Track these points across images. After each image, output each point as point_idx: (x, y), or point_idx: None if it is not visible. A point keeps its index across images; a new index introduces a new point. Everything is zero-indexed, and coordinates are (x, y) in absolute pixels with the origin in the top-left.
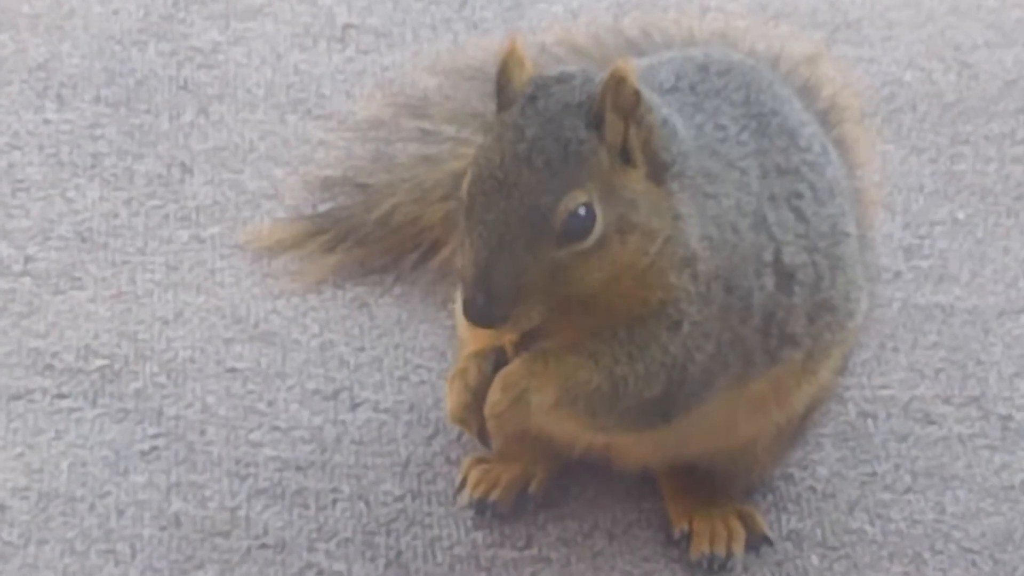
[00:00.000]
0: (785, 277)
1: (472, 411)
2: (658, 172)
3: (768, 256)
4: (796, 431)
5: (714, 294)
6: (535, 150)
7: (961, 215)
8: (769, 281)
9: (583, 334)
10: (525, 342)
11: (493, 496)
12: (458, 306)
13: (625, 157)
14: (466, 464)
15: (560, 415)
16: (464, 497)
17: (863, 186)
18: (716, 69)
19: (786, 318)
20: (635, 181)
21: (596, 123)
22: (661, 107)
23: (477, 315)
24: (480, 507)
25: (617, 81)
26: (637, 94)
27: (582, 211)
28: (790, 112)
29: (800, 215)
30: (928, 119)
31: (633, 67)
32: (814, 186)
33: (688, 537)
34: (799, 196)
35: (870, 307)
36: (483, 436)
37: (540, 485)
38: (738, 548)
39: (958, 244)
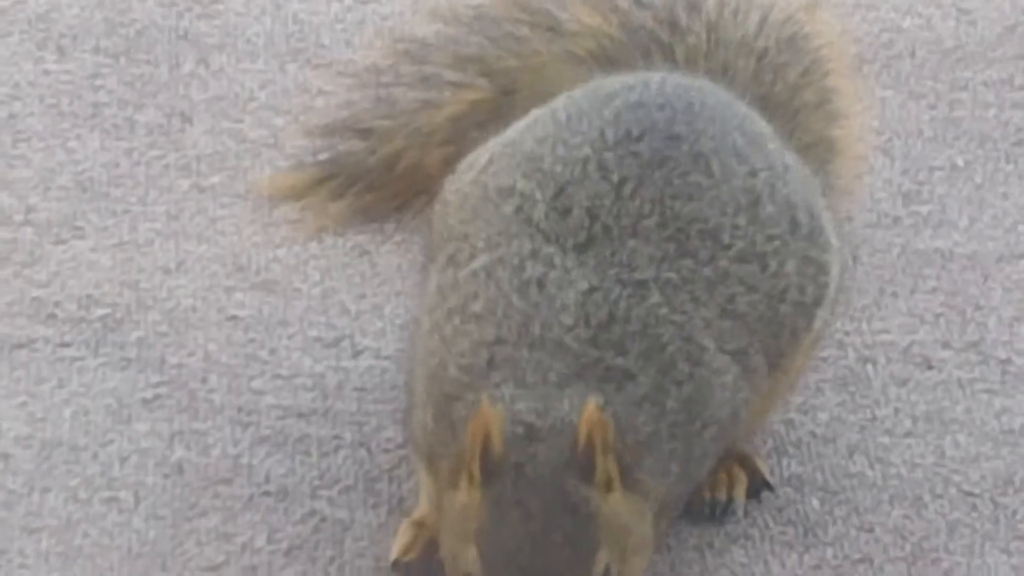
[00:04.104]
0: (750, 372)
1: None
2: (630, 478)
3: (728, 379)
4: (795, 379)
5: (673, 471)
6: (549, 527)
7: (960, 161)
8: (737, 395)
9: None
10: None
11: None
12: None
13: (608, 486)
14: None
15: None
16: None
17: (846, 137)
18: (628, 191)
19: (748, 392)
20: (618, 503)
21: (587, 473)
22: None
23: None
24: None
25: (602, 428)
26: (611, 427)
27: (602, 569)
28: (710, 195)
29: (739, 316)
30: (927, 65)
31: (605, 414)
32: (744, 278)
33: None
34: (732, 300)
35: (847, 263)
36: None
37: None
38: (739, 493)
39: (957, 190)
